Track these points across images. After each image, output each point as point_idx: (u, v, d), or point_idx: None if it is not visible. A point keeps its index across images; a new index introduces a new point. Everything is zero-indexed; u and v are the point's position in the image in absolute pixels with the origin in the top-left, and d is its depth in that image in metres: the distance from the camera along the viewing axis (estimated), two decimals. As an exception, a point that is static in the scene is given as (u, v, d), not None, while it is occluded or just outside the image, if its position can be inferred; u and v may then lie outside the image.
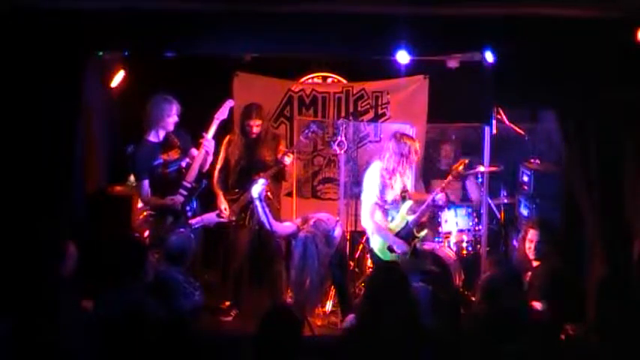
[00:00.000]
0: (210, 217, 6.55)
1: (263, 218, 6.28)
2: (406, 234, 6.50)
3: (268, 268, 6.88)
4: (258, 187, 6.19)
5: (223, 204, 6.80)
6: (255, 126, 6.80)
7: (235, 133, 6.93)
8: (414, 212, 6.49)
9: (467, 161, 6.76)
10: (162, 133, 6.50)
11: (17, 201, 5.56)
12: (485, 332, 4.28)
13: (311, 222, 6.33)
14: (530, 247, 5.85)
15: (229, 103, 6.77)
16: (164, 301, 5.03)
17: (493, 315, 4.40)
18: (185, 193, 6.47)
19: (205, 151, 6.53)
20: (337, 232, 6.37)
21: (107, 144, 7.51)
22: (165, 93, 6.48)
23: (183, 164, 6.58)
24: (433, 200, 6.49)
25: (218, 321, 6.72)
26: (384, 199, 6.47)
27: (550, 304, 5.36)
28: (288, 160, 6.80)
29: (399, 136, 6.49)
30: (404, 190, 6.52)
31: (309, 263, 6.16)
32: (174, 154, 6.55)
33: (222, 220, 6.63)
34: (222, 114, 6.67)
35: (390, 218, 6.54)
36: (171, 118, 6.46)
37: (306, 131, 7.08)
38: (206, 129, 6.59)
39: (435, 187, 7.00)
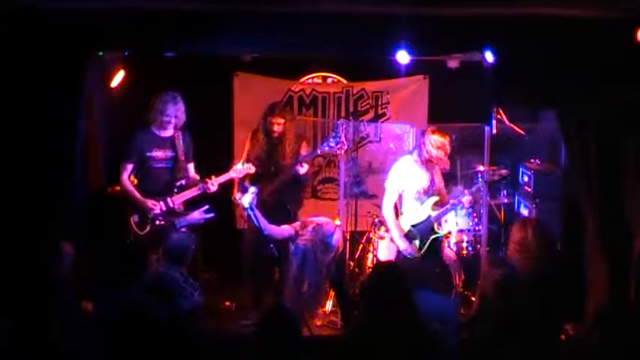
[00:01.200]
0: (194, 216, 6.52)
1: (256, 224, 6.28)
2: (426, 227, 6.54)
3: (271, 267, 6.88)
4: (248, 197, 6.19)
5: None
6: (277, 124, 6.76)
7: (259, 131, 6.87)
8: (438, 209, 6.54)
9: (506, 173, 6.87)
10: (166, 131, 6.50)
11: (17, 201, 5.56)
12: (495, 331, 4.27)
13: (310, 227, 6.32)
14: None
15: (249, 170, 6.69)
16: (163, 301, 5.03)
17: (508, 313, 4.40)
18: (164, 209, 6.46)
19: (205, 191, 6.51)
20: (335, 237, 6.36)
21: (107, 144, 7.50)
22: (174, 91, 6.49)
23: (181, 183, 6.56)
24: (459, 202, 6.57)
25: (218, 321, 6.72)
26: (410, 189, 6.52)
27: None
28: (302, 170, 6.75)
29: (432, 131, 6.50)
30: (432, 185, 6.56)
31: (306, 271, 6.16)
32: (168, 152, 6.54)
33: (209, 216, 6.59)
34: (238, 174, 6.64)
35: (414, 208, 6.57)
36: (173, 118, 6.46)
37: (324, 145, 6.94)
38: (218, 173, 6.59)
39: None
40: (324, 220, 6.46)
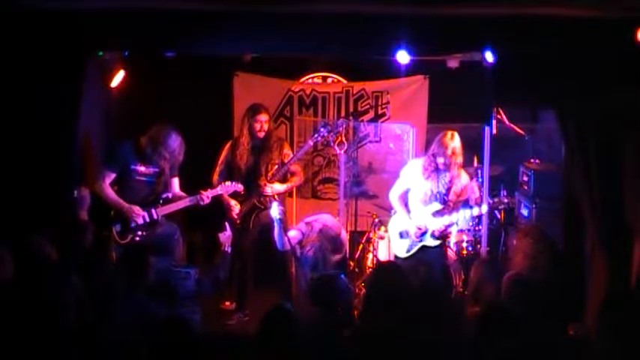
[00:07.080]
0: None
1: (276, 238, 6.32)
2: (421, 234, 6.46)
3: (274, 269, 6.87)
4: (275, 210, 6.29)
5: (232, 201, 6.71)
6: (264, 122, 6.70)
7: (243, 135, 6.81)
8: (438, 216, 6.37)
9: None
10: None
11: (16, 201, 5.57)
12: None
13: (316, 229, 6.32)
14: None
15: (237, 188, 6.66)
16: (166, 296, 5.05)
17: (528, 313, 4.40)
18: (147, 220, 6.46)
19: (196, 203, 6.52)
20: (342, 237, 6.41)
21: (107, 144, 7.50)
22: (177, 133, 6.48)
23: (168, 195, 6.58)
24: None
25: (220, 322, 6.73)
26: (416, 189, 6.43)
27: None
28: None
29: (442, 135, 6.39)
30: (446, 194, 6.40)
31: (318, 274, 6.21)
32: (151, 169, 6.55)
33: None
34: (226, 191, 6.61)
35: (417, 210, 6.46)
36: (176, 154, 6.49)
37: (316, 136, 6.95)
38: (209, 187, 6.61)
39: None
40: (329, 220, 6.47)
